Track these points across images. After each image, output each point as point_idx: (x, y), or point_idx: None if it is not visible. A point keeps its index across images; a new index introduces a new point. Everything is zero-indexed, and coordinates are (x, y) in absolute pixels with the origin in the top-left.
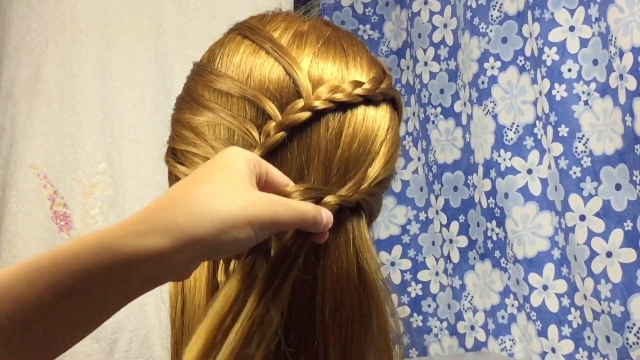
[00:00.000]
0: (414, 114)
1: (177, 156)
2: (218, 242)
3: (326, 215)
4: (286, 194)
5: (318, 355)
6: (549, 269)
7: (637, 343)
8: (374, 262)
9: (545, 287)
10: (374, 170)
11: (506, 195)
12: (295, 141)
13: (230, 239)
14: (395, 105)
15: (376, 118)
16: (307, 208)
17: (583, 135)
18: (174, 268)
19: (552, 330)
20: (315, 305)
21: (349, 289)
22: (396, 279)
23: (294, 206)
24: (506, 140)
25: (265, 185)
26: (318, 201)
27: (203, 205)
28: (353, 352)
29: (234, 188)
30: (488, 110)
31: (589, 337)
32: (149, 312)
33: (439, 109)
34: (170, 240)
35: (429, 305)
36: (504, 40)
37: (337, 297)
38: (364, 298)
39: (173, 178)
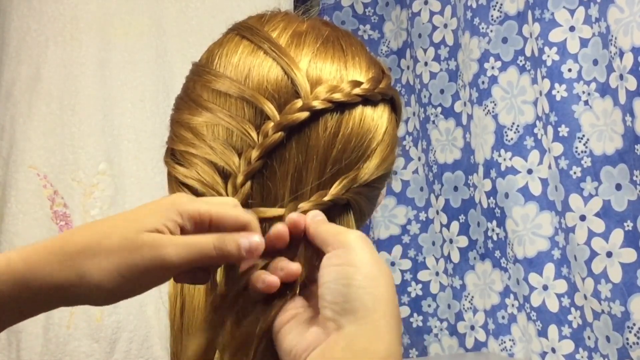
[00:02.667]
0: (414, 114)
1: (176, 157)
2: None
3: (249, 240)
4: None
5: None
6: (549, 269)
7: (637, 343)
8: None
9: (545, 287)
10: (367, 169)
11: (506, 195)
12: (294, 141)
13: (98, 296)
14: (394, 105)
15: (374, 118)
16: (204, 240)
17: (583, 135)
18: None
19: (552, 330)
20: None
21: None
22: (396, 279)
23: (186, 242)
24: (506, 140)
25: (212, 225)
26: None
27: (73, 260)
28: None
29: (109, 245)
30: (488, 110)
31: (589, 337)
32: (149, 312)
33: (439, 109)
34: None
35: (429, 305)
36: (504, 40)
37: None
38: None
39: (172, 179)
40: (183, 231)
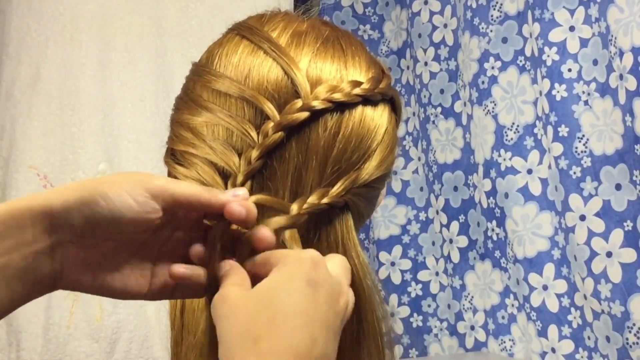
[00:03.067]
0: (414, 114)
1: (176, 157)
2: (108, 202)
3: (234, 190)
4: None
5: None
6: (549, 269)
7: (637, 343)
8: (359, 261)
9: (545, 287)
10: (367, 170)
11: (506, 195)
12: (294, 141)
13: (122, 200)
14: (393, 105)
15: (374, 118)
16: (200, 189)
17: (583, 135)
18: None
19: (552, 330)
20: None
21: None
22: (396, 279)
23: (191, 185)
24: (506, 140)
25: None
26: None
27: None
28: (345, 352)
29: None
30: (488, 110)
31: (589, 337)
32: (149, 312)
33: (439, 109)
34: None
35: (429, 305)
36: (504, 40)
37: None
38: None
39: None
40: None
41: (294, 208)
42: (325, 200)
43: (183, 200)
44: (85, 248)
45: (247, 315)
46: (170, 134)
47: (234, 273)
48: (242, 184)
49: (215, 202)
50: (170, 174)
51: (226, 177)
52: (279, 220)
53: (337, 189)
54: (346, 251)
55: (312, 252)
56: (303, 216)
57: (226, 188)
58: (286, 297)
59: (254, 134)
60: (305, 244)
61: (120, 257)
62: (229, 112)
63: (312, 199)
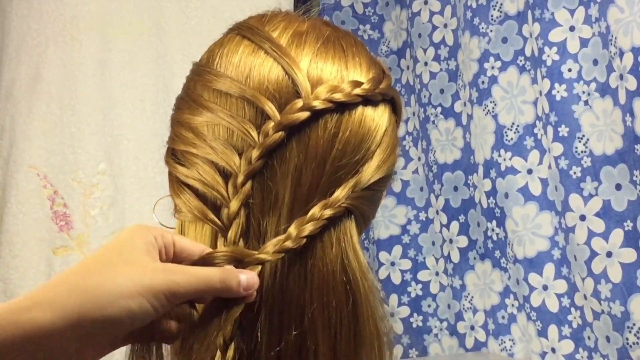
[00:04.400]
0: (414, 114)
1: (177, 157)
2: (104, 316)
3: (247, 278)
4: (204, 261)
5: (309, 354)
6: (549, 269)
7: (637, 343)
8: (359, 264)
9: (545, 287)
10: (368, 171)
11: (506, 195)
12: (294, 141)
13: (119, 311)
14: (394, 105)
15: (374, 118)
16: (210, 273)
17: (583, 135)
18: (60, 348)
19: (552, 330)
20: (304, 303)
21: (335, 289)
22: (396, 279)
23: (196, 273)
24: (506, 140)
25: (176, 255)
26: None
27: (88, 280)
28: (343, 352)
29: (124, 261)
30: (488, 110)
31: (589, 337)
32: None
33: (439, 109)
34: (51, 315)
35: (429, 305)
36: (504, 40)
37: (324, 297)
38: (350, 299)
39: (173, 179)
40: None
41: (293, 232)
42: (327, 213)
43: (187, 296)
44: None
45: None
46: (170, 133)
47: None
48: (243, 184)
49: (228, 293)
50: (171, 174)
51: (227, 177)
52: (283, 246)
53: (340, 194)
54: (344, 252)
55: None
56: (302, 240)
57: (227, 188)
58: None
59: (254, 133)
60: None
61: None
62: (230, 112)
63: (316, 215)
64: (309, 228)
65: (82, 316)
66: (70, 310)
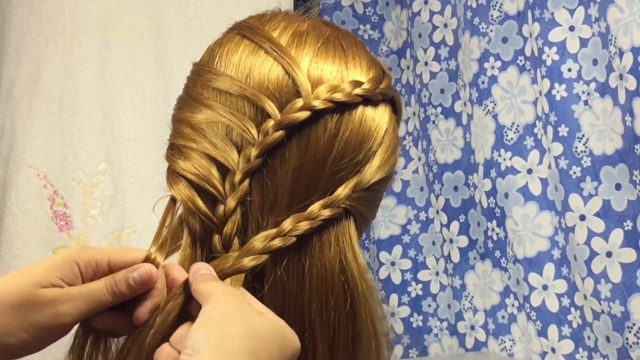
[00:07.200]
0: (414, 113)
1: (175, 151)
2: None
3: (139, 273)
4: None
5: (307, 354)
6: (549, 269)
7: (637, 343)
8: (357, 264)
9: (545, 287)
10: (369, 172)
11: (506, 195)
12: (294, 141)
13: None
14: (394, 105)
15: (375, 118)
16: (95, 288)
17: (583, 135)
18: None
19: (552, 330)
20: (303, 302)
21: (334, 289)
22: (396, 279)
23: (81, 294)
24: (506, 140)
25: (113, 265)
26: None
27: None
28: (340, 351)
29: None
30: (488, 110)
31: (589, 337)
32: None
33: (439, 109)
34: None
35: (429, 305)
36: (504, 40)
37: (322, 296)
38: (348, 298)
39: (170, 171)
40: (84, 280)
41: (287, 225)
42: (325, 213)
43: (80, 318)
44: None
45: None
46: (171, 131)
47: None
48: (240, 182)
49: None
50: (169, 167)
51: (224, 172)
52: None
53: (341, 193)
54: (342, 252)
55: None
56: (292, 238)
57: (224, 185)
58: None
59: (254, 131)
60: (301, 241)
61: None
62: (230, 109)
63: (309, 217)
64: (303, 227)
65: None
66: None
